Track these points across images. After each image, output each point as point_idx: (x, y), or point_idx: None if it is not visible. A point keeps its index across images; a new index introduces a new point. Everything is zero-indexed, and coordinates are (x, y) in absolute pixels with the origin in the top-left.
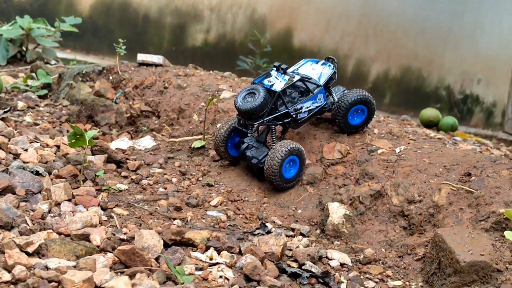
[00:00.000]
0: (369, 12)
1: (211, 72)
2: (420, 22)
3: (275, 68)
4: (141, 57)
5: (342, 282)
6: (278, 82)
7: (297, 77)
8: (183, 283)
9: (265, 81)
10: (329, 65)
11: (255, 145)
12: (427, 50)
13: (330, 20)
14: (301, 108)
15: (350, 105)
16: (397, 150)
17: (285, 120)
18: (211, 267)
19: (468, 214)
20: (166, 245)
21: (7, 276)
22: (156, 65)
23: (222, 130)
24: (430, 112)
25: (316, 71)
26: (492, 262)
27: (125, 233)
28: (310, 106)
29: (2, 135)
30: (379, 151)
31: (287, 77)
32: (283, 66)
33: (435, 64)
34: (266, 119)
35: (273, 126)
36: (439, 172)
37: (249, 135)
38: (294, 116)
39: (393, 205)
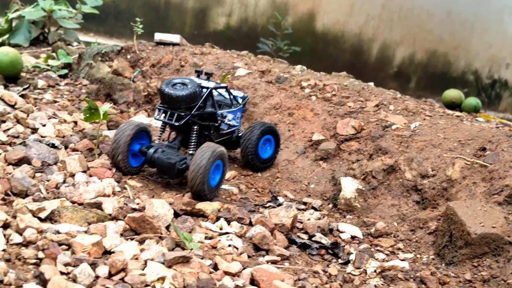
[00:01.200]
0: None
1: (227, 51)
2: (446, 6)
3: (196, 74)
4: (158, 36)
5: (352, 253)
6: (206, 83)
7: (224, 84)
8: (191, 249)
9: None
10: (244, 93)
11: (165, 149)
12: (454, 34)
13: (354, 4)
14: (226, 117)
15: (260, 135)
16: (412, 125)
17: (210, 123)
18: (220, 236)
19: (482, 188)
20: (176, 215)
21: (18, 238)
22: (174, 44)
23: (123, 134)
24: (452, 93)
25: (233, 93)
26: (504, 234)
27: (137, 204)
28: (230, 121)
29: (21, 111)
30: (394, 127)
31: (212, 83)
32: (208, 72)
33: (462, 49)
34: (195, 112)
35: (195, 128)
36: (453, 147)
37: (156, 141)
38: (219, 121)
39: (406, 179)
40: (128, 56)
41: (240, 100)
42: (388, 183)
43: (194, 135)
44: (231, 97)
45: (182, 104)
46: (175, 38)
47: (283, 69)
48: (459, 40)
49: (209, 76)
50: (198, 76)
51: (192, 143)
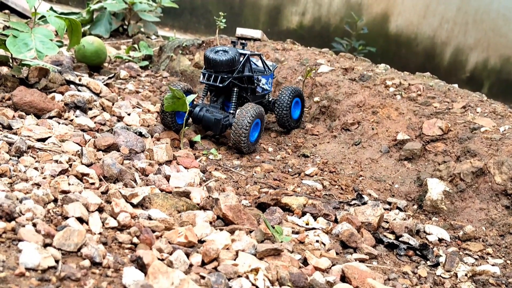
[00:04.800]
0: None
1: (308, 47)
2: None
3: (232, 44)
4: (240, 31)
5: (441, 256)
6: (243, 50)
7: (257, 52)
8: (281, 242)
9: None
10: (272, 63)
11: (210, 108)
12: None
13: (428, 6)
14: (260, 81)
15: (292, 97)
16: (501, 129)
17: (248, 85)
18: (307, 232)
19: None
20: (263, 210)
21: (113, 223)
22: (255, 39)
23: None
24: None
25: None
26: None
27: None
28: (264, 85)
29: (106, 99)
30: (482, 129)
31: (248, 51)
32: (243, 42)
33: None
34: (236, 75)
35: (235, 90)
36: None
37: (200, 101)
38: (255, 84)
39: (496, 183)
40: None
41: (271, 68)
42: (477, 186)
43: (234, 96)
44: (264, 64)
45: (224, 68)
46: (256, 33)
47: (366, 67)
48: None
49: (244, 45)
50: (234, 46)
51: (233, 104)
